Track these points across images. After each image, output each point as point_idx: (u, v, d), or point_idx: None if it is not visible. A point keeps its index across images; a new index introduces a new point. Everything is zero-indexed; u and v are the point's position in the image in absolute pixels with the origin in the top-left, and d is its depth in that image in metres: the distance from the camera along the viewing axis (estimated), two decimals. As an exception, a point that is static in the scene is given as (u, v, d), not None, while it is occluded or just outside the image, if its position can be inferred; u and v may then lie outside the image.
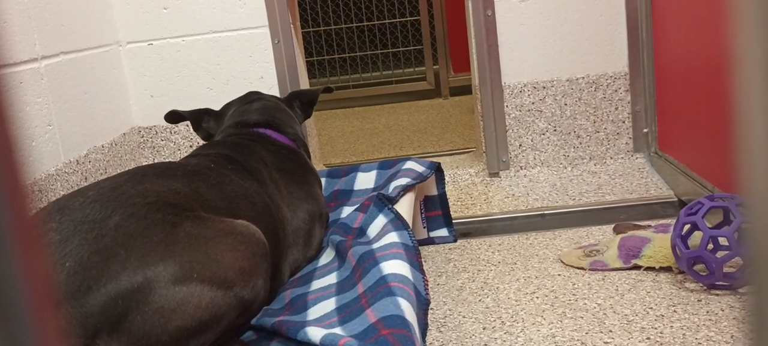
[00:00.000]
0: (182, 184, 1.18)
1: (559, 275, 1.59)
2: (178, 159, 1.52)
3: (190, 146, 2.33)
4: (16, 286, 0.22)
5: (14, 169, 0.22)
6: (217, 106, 2.31)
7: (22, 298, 0.22)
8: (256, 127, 1.61)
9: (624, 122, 2.27)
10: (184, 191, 1.16)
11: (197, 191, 1.20)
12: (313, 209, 1.50)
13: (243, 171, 1.37)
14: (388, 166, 1.87)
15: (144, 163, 2.32)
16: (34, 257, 0.22)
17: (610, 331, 1.32)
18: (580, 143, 2.29)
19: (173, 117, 1.76)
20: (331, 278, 1.34)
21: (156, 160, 2.35)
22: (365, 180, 1.84)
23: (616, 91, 2.25)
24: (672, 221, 1.55)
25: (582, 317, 1.38)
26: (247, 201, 1.29)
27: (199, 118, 1.75)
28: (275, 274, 1.32)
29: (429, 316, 1.35)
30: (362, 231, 1.51)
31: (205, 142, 1.57)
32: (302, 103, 1.82)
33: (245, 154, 1.44)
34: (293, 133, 1.64)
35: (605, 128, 2.28)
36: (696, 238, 1.42)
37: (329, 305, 1.21)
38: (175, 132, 2.35)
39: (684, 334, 1.28)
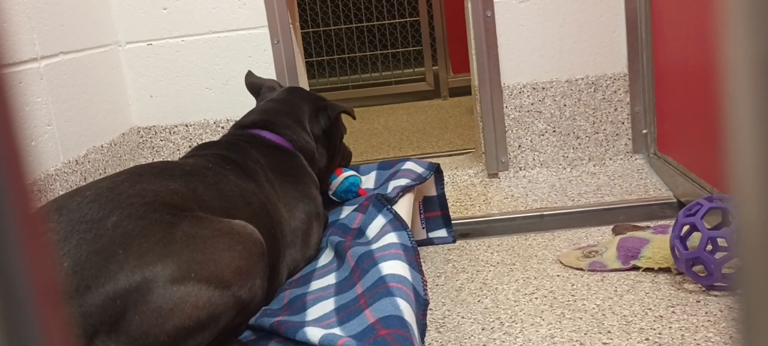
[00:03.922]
0: (179, 184, 1.18)
1: (558, 275, 1.59)
2: (177, 159, 1.52)
3: (189, 146, 2.33)
4: (20, 283, 0.22)
5: (17, 168, 0.22)
6: (217, 106, 2.32)
7: (26, 295, 0.22)
8: (252, 128, 1.60)
9: (623, 123, 2.27)
10: (181, 190, 1.16)
11: (195, 191, 1.20)
12: (309, 208, 1.50)
13: (240, 171, 1.37)
14: (387, 167, 1.87)
15: (142, 163, 2.32)
16: (37, 254, 0.22)
17: (609, 332, 1.32)
18: (580, 144, 2.29)
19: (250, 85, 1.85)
20: (330, 279, 1.34)
21: (155, 161, 2.35)
22: (364, 181, 1.84)
23: (615, 92, 2.25)
24: (671, 222, 1.55)
25: (581, 318, 1.38)
26: (244, 201, 1.29)
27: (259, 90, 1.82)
28: (273, 274, 1.32)
29: (428, 316, 1.35)
30: (361, 232, 1.51)
31: (200, 143, 1.56)
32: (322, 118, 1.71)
33: (241, 155, 1.44)
34: (290, 135, 1.61)
35: (604, 129, 2.28)
36: (695, 239, 1.43)
37: (328, 305, 1.21)
38: (174, 132, 2.35)
39: (683, 335, 1.28)
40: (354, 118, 1.74)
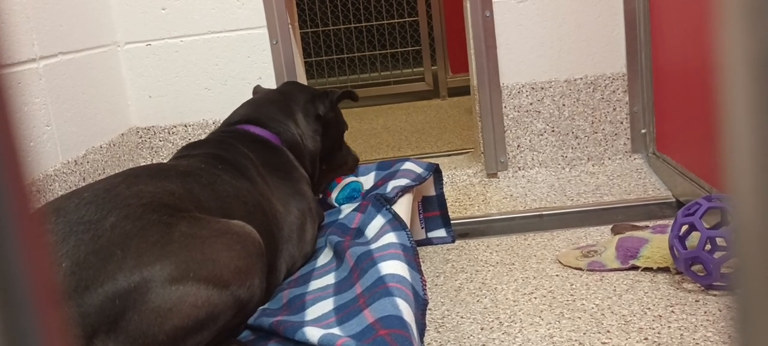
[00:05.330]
0: (176, 185, 1.18)
1: (557, 275, 1.59)
2: (169, 160, 1.52)
3: (189, 147, 2.33)
4: (20, 284, 0.22)
5: (16, 168, 0.22)
6: (216, 106, 2.32)
7: (25, 296, 0.22)
8: (239, 123, 1.61)
9: (622, 123, 2.27)
10: (178, 191, 1.16)
11: (191, 192, 1.20)
12: (302, 205, 1.50)
13: (233, 170, 1.37)
14: (386, 167, 1.87)
15: (142, 164, 2.32)
16: (36, 255, 0.22)
17: (608, 331, 1.32)
18: (579, 144, 2.29)
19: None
20: (329, 279, 1.34)
21: (154, 161, 2.35)
22: (364, 182, 1.84)
23: (614, 92, 2.25)
24: (670, 222, 1.55)
25: (580, 318, 1.38)
26: (240, 200, 1.29)
27: None
28: (271, 271, 1.32)
29: (427, 316, 1.35)
30: (360, 232, 1.51)
31: (189, 143, 1.57)
32: (319, 106, 1.71)
33: (232, 152, 1.44)
34: (276, 128, 1.60)
35: (603, 129, 2.28)
36: (694, 238, 1.43)
37: (327, 305, 1.21)
38: (173, 132, 2.35)
39: (682, 334, 1.28)
40: (356, 99, 1.76)
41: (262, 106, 1.65)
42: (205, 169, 1.31)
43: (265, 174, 1.46)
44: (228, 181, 1.32)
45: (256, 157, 1.47)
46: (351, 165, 1.82)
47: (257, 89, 1.89)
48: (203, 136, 2.31)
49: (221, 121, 2.30)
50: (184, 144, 2.33)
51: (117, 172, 1.26)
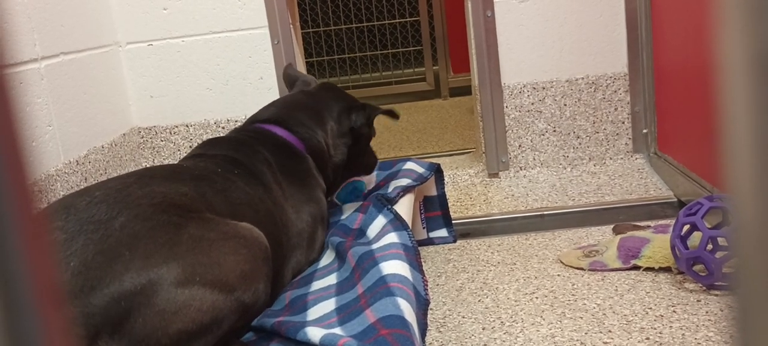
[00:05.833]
0: (189, 187, 1.18)
1: (558, 275, 1.59)
2: (178, 159, 1.51)
3: (190, 147, 2.33)
4: (21, 284, 0.22)
5: (19, 168, 0.22)
6: (217, 106, 2.32)
7: (27, 296, 0.22)
8: (266, 123, 1.57)
9: (623, 123, 2.27)
10: (190, 194, 1.16)
11: (204, 195, 1.19)
12: (315, 211, 1.49)
13: (248, 175, 1.36)
14: (388, 167, 1.87)
15: (144, 164, 2.32)
16: (39, 255, 0.22)
17: (610, 331, 1.32)
18: (580, 144, 2.29)
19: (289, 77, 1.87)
20: (331, 279, 1.34)
21: (156, 161, 2.35)
22: (366, 180, 1.84)
23: (615, 91, 2.25)
24: (671, 222, 1.55)
25: (581, 318, 1.38)
26: (251, 209, 1.28)
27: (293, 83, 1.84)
28: (276, 277, 1.31)
29: (428, 316, 1.35)
30: (362, 232, 1.51)
31: (208, 140, 1.54)
32: (349, 118, 1.65)
33: (249, 155, 1.42)
34: (303, 133, 1.57)
35: (605, 129, 2.28)
36: (695, 238, 1.43)
37: (329, 305, 1.22)
38: (174, 132, 2.35)
39: (683, 334, 1.28)
40: (397, 118, 1.71)
41: (291, 109, 1.60)
42: (221, 174, 1.30)
43: (282, 179, 1.44)
44: (242, 187, 1.30)
45: (274, 161, 1.45)
46: (370, 167, 1.78)
47: (289, 68, 1.86)
48: (205, 137, 2.31)
49: (223, 122, 2.32)
50: (185, 144, 2.34)
51: (119, 172, 1.26)
